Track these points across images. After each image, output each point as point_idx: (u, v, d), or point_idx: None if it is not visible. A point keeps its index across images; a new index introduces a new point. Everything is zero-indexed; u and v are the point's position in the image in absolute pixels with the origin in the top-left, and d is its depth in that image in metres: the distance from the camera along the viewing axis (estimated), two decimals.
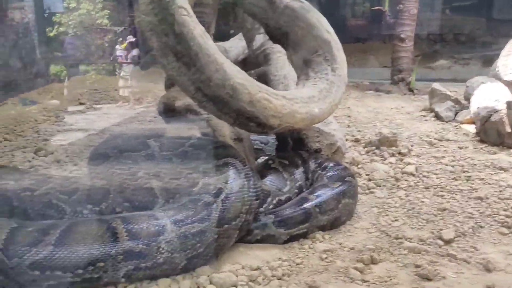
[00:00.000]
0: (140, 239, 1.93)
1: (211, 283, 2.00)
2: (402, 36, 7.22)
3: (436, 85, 5.57)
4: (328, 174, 2.77)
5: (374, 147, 3.98)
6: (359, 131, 4.74)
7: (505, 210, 2.72)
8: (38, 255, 1.83)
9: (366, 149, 4.02)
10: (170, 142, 2.75)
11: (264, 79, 4.03)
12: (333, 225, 2.52)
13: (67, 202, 2.29)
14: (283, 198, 2.60)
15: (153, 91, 6.80)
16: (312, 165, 2.88)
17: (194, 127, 3.25)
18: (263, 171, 2.72)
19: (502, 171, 3.43)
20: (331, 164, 2.86)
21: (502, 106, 4.10)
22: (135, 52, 7.74)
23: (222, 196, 2.17)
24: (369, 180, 3.28)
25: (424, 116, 5.38)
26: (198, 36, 2.36)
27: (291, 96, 2.77)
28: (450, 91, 5.44)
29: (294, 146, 3.18)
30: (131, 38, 7.59)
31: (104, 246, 1.89)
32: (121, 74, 7.78)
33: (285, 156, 2.95)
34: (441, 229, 2.52)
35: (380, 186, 3.18)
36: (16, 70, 5.31)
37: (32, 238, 1.86)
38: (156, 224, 1.99)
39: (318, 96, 2.92)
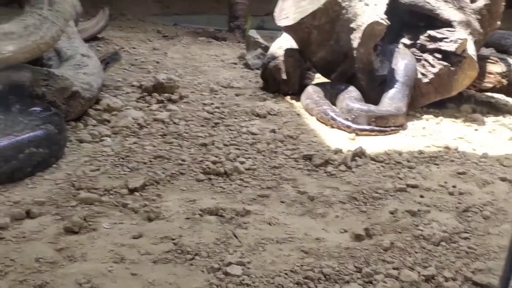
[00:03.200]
0: None
1: None
2: None
3: (252, 32, 5.46)
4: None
5: (146, 94, 3.77)
6: (154, 77, 4.49)
7: (216, 156, 2.66)
8: None
9: (139, 95, 3.79)
10: None
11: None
12: (11, 177, 2.27)
13: None
14: None
15: None
16: (16, 112, 2.57)
17: None
18: None
19: (257, 118, 3.42)
20: (38, 110, 2.58)
21: (281, 53, 4.09)
22: None
23: None
24: (112, 127, 3.06)
25: (235, 63, 5.27)
26: None
27: None
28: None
29: (14, 92, 2.82)
30: None
31: None
32: None
33: None
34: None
35: (116, 134, 2.98)
36: None
37: None
38: None
39: (20, 32, 2.58)
